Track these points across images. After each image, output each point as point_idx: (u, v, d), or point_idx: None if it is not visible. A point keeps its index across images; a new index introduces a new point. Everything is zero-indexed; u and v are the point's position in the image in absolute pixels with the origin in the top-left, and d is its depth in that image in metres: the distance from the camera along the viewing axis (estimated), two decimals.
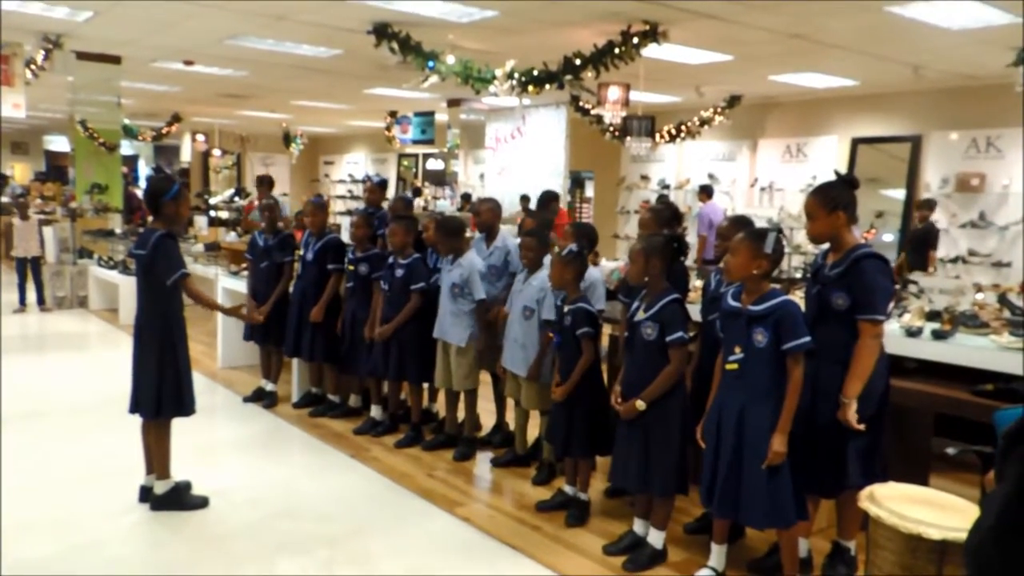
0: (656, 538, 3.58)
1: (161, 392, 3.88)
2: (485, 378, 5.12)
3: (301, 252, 5.75)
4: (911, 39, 7.25)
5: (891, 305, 4.24)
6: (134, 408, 3.96)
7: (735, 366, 3.14)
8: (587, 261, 4.14)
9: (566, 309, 3.96)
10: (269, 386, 6.03)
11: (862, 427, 3.09)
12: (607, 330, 4.80)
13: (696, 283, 4.98)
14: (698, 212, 11.19)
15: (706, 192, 11.11)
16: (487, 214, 5.17)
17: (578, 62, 7.17)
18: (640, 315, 3.51)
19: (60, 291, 10.08)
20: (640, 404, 3.45)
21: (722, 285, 3.62)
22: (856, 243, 3.21)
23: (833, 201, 3.19)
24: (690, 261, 9.31)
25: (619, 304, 4.24)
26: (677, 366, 3.44)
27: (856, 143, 10.81)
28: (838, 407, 3.11)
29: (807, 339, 3.03)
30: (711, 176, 12.44)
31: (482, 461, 4.91)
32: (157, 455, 4.01)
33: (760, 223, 3.69)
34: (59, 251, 10.38)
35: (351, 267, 5.42)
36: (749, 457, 3.07)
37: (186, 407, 3.99)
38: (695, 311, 4.17)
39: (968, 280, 7.55)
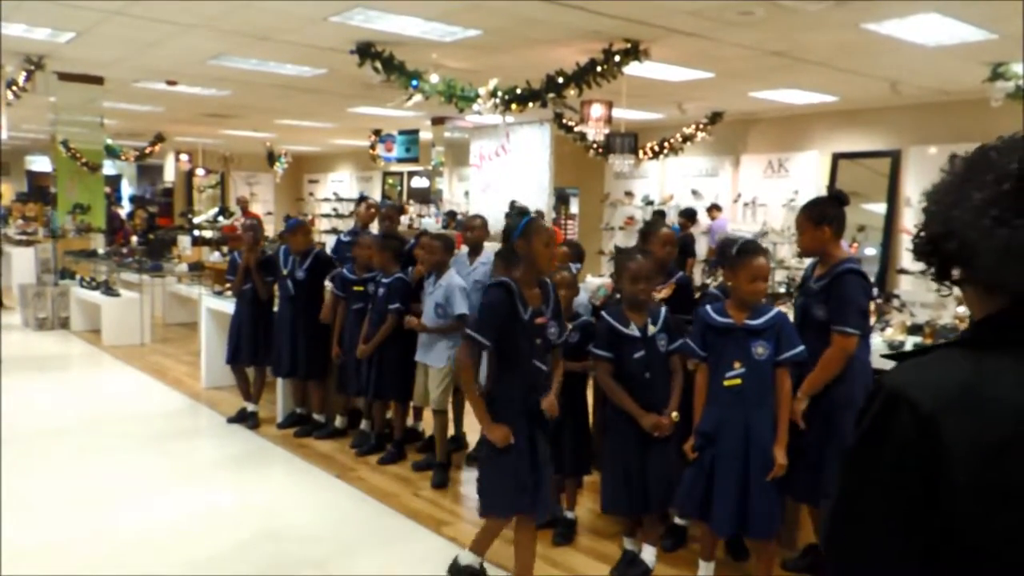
0: (649, 554, 3.60)
1: None
2: None
3: (285, 272, 5.68)
4: (888, 55, 7.36)
5: (873, 320, 4.28)
6: None
7: (737, 381, 3.13)
8: (577, 282, 4.15)
9: (569, 327, 3.92)
10: (251, 407, 5.97)
11: (804, 426, 3.19)
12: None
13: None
14: (709, 227, 11.72)
15: (716, 208, 11.78)
16: (478, 231, 5.22)
17: (561, 80, 7.23)
18: (651, 329, 3.49)
19: (41, 312, 9.98)
20: (675, 415, 3.42)
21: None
22: (842, 258, 3.29)
23: (820, 215, 3.29)
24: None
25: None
26: (683, 374, 3.49)
27: (837, 158, 10.92)
28: (822, 415, 3.18)
29: (803, 348, 3.13)
30: (695, 192, 12.56)
31: (468, 480, 4.89)
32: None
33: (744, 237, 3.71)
34: (40, 272, 10.30)
35: (360, 288, 5.29)
36: (757, 469, 3.09)
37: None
38: None
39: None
